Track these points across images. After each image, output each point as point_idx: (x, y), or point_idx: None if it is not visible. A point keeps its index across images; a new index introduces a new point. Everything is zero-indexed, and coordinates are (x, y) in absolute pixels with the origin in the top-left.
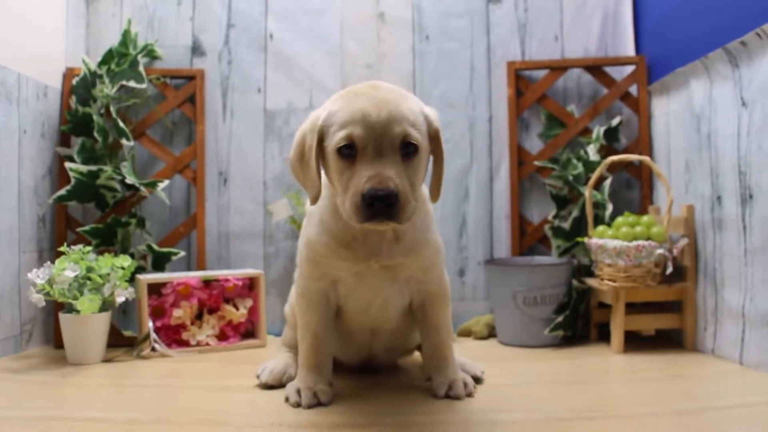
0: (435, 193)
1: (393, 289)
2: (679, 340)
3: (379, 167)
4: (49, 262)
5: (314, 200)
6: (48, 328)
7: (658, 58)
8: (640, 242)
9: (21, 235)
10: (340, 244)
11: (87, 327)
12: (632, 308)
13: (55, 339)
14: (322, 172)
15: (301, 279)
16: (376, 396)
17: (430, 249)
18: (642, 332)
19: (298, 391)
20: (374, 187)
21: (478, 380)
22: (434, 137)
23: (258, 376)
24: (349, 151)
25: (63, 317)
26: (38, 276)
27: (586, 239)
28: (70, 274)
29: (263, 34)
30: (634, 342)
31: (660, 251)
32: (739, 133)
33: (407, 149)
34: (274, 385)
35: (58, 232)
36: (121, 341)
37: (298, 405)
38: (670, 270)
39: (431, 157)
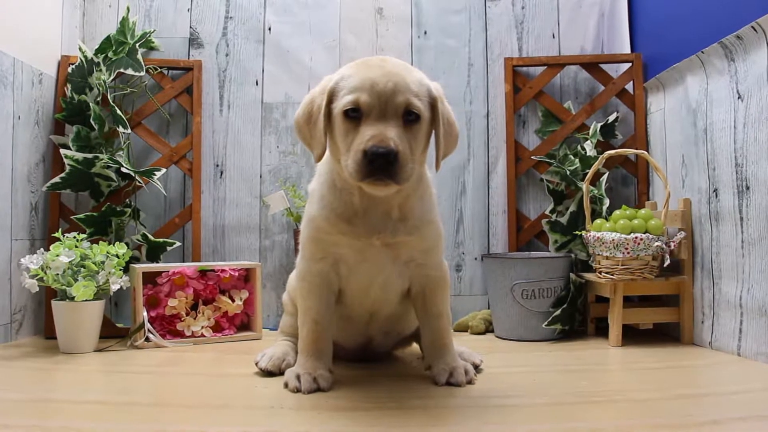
0: (437, 161)
1: (393, 269)
2: (677, 334)
3: (381, 128)
4: (42, 249)
5: (319, 158)
6: (38, 318)
7: (653, 55)
8: (638, 235)
9: (13, 222)
10: (341, 218)
11: (80, 315)
12: (630, 302)
13: (45, 329)
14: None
15: (302, 261)
16: (377, 383)
17: (433, 230)
18: (639, 326)
19: (298, 377)
20: (375, 144)
21: (477, 368)
22: (433, 106)
23: (256, 363)
24: (354, 114)
25: (56, 304)
26: (32, 261)
27: (584, 232)
28: (64, 259)
29: (261, 26)
30: (632, 336)
31: (658, 243)
32: (735, 126)
33: (409, 117)
34: (273, 371)
35: (50, 221)
36: (114, 332)
37: (297, 390)
38: (667, 262)
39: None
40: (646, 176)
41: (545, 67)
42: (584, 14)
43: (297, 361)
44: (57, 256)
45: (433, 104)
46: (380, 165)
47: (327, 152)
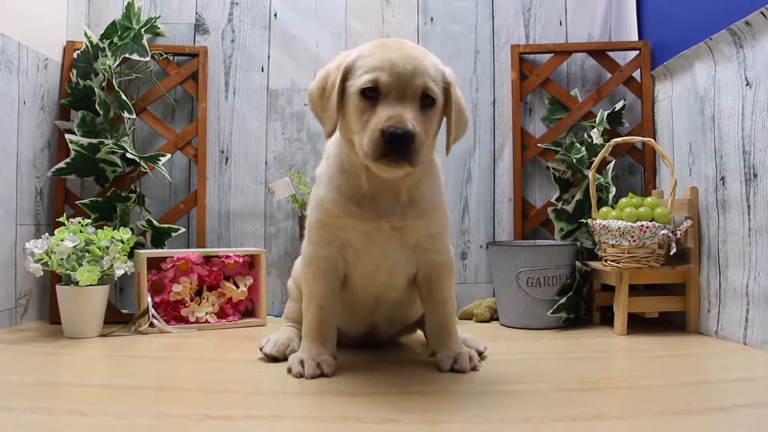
0: (448, 146)
1: (400, 254)
2: (682, 323)
3: (399, 110)
4: (47, 234)
5: (329, 134)
6: (43, 303)
7: (661, 42)
8: (645, 223)
9: (18, 207)
10: (350, 201)
11: (85, 299)
12: (635, 290)
13: (50, 314)
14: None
15: (309, 246)
16: (381, 369)
17: (441, 215)
18: (645, 314)
19: (302, 362)
20: (394, 125)
21: (481, 355)
22: (447, 91)
23: (261, 348)
24: (371, 94)
25: (60, 289)
26: (36, 246)
27: (589, 220)
28: (69, 244)
29: (267, 12)
30: (637, 324)
31: (664, 232)
32: (743, 113)
33: (425, 101)
34: (278, 357)
35: (56, 206)
36: (118, 318)
37: (300, 376)
38: (674, 251)
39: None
40: (652, 164)
41: (552, 54)
42: (592, 1)
43: (301, 346)
44: (62, 240)
45: (446, 89)
46: (397, 146)
47: (337, 134)
